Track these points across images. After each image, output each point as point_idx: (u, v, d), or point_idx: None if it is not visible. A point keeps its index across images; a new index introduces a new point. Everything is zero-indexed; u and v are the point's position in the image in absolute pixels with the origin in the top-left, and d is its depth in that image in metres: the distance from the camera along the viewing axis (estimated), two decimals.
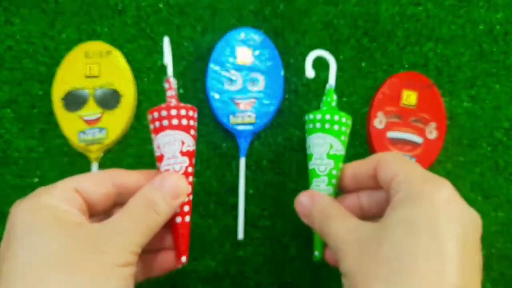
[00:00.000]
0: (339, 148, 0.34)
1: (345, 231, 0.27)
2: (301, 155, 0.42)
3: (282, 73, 0.42)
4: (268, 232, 0.41)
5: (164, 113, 0.33)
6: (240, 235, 0.40)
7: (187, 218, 0.34)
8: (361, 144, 0.42)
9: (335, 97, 0.35)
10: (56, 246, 0.24)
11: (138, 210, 0.28)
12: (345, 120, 0.34)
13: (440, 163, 0.43)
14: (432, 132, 0.41)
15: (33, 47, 0.43)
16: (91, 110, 0.41)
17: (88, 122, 0.40)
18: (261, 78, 0.42)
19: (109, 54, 0.41)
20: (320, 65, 0.43)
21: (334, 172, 0.34)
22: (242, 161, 0.41)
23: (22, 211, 0.25)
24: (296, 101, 0.43)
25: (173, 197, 0.31)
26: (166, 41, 0.35)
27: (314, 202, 0.31)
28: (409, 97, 0.42)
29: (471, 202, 0.42)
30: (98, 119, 0.40)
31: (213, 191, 0.42)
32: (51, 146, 0.42)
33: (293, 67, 0.43)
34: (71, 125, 0.40)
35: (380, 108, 0.42)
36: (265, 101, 0.41)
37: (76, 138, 0.40)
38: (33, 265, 0.24)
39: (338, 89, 0.43)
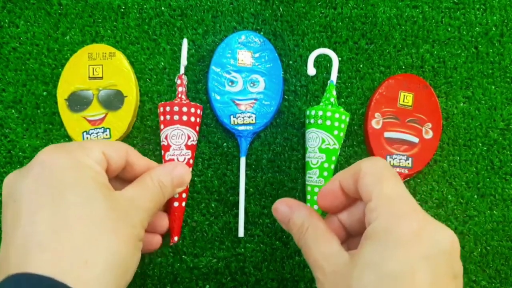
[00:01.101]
0: (331, 143, 0.36)
1: (322, 258, 0.27)
2: (300, 154, 0.43)
3: (281, 74, 0.43)
4: (268, 230, 0.42)
5: (176, 108, 0.39)
6: (241, 232, 0.41)
7: (183, 204, 0.40)
8: (358, 144, 0.43)
9: (334, 92, 0.37)
10: (102, 208, 0.26)
11: (154, 190, 0.32)
12: (339, 115, 0.36)
13: (436, 162, 0.43)
14: (428, 132, 0.42)
15: (37, 49, 0.43)
16: (95, 110, 0.41)
17: (92, 122, 0.41)
18: (261, 79, 0.42)
19: (113, 56, 0.42)
20: (319, 66, 0.44)
21: (325, 165, 0.37)
22: (243, 161, 0.42)
23: (65, 166, 0.26)
24: (295, 102, 0.43)
25: (178, 184, 0.34)
26: (184, 42, 0.39)
27: (292, 213, 0.30)
28: (406, 98, 0.42)
29: (467, 200, 0.43)
30: (101, 120, 0.41)
31: (214, 189, 0.42)
32: None
33: (292, 69, 0.44)
34: (75, 125, 0.41)
35: (377, 108, 0.42)
36: (265, 102, 0.42)
37: (80, 138, 0.41)
38: (84, 218, 0.25)
39: (337, 90, 0.43)
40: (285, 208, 0.30)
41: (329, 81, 0.38)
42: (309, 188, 0.40)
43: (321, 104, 0.38)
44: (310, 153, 0.38)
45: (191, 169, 0.40)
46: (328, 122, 0.36)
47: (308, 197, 0.40)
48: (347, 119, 0.36)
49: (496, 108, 0.44)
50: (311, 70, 0.38)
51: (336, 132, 0.37)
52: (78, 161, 0.27)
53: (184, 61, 0.40)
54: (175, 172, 0.34)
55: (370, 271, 0.24)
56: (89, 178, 0.27)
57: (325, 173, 0.38)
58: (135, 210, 0.29)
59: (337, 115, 0.36)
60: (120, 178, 0.34)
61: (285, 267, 0.41)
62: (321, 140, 0.36)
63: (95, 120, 0.41)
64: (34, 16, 0.44)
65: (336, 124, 0.36)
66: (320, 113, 0.36)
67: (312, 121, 0.37)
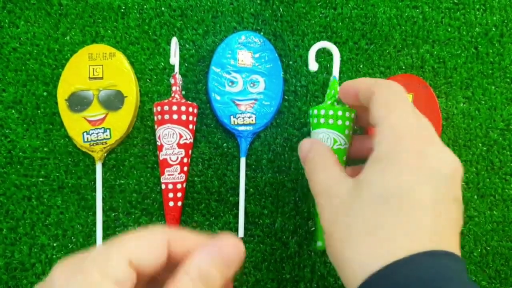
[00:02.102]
0: (343, 142, 0.34)
1: (325, 183, 0.28)
2: None
3: (281, 75, 0.43)
4: (267, 230, 0.42)
5: (166, 107, 0.38)
6: (241, 232, 0.41)
7: (179, 203, 0.40)
8: None
9: (339, 88, 0.35)
10: None
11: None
12: (349, 114, 0.34)
13: None
14: None
15: (38, 49, 0.43)
16: (95, 111, 0.41)
17: (92, 122, 0.41)
18: (261, 79, 0.42)
19: (113, 56, 0.42)
20: (319, 66, 0.44)
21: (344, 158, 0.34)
22: (243, 161, 0.42)
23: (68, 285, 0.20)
24: (295, 102, 0.43)
25: (229, 266, 0.23)
26: (173, 41, 0.39)
27: (312, 148, 0.31)
28: None
29: (467, 201, 0.43)
30: (102, 120, 0.41)
31: (214, 190, 0.42)
32: (55, 146, 0.42)
33: (292, 69, 0.44)
34: (75, 125, 0.41)
35: None
36: (265, 102, 0.42)
37: (80, 138, 0.41)
38: None
39: (336, 90, 0.43)
40: (308, 144, 0.31)
41: (331, 77, 0.36)
42: None
43: (327, 102, 0.36)
44: None
45: (185, 167, 0.39)
46: (340, 122, 0.34)
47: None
48: (353, 116, 0.35)
49: (496, 109, 0.44)
50: (313, 65, 0.36)
51: (347, 132, 0.35)
52: (85, 283, 0.20)
53: (173, 60, 0.40)
54: (222, 252, 0.23)
55: (370, 189, 0.24)
56: None
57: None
58: None
59: (347, 114, 0.34)
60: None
61: (285, 267, 0.41)
62: (333, 140, 0.34)
63: (95, 120, 0.41)
64: (34, 16, 0.44)
65: (347, 123, 0.34)
66: (331, 112, 0.34)
67: (322, 120, 0.35)
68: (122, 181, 0.42)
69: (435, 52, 0.44)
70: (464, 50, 0.45)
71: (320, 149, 0.31)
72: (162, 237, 0.23)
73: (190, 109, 0.40)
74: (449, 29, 0.45)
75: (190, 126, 0.40)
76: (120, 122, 0.41)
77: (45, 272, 0.41)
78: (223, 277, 0.23)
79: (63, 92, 0.42)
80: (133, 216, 0.42)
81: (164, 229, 0.24)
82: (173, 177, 0.39)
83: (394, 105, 0.27)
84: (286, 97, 0.43)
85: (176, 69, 0.41)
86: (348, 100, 0.33)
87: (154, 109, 0.40)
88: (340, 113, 0.34)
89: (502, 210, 0.43)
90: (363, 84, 0.30)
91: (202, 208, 0.42)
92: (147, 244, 0.23)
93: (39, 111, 0.43)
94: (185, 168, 0.40)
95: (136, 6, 0.43)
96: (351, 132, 0.35)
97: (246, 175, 0.42)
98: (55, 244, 0.41)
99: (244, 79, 0.42)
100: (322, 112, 0.35)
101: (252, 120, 0.41)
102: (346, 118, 0.34)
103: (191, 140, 0.40)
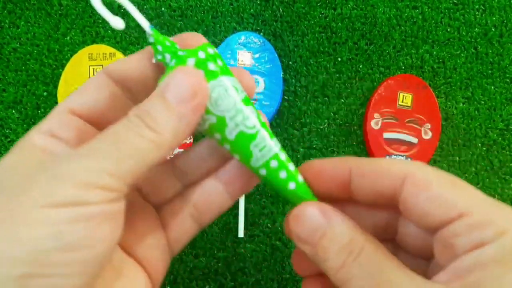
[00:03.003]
0: (241, 88, 0.21)
1: None
2: (300, 155, 0.43)
3: (281, 75, 0.43)
4: (268, 230, 0.42)
5: None
6: (241, 233, 0.41)
7: None
8: (357, 144, 0.43)
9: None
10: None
11: (119, 128, 0.18)
12: (212, 51, 0.21)
13: (435, 163, 0.43)
14: (427, 133, 0.42)
15: (38, 49, 0.43)
16: None
17: None
18: (261, 80, 0.42)
19: (113, 56, 0.42)
20: (318, 67, 0.44)
21: (261, 118, 0.22)
22: None
23: (9, 154, 0.19)
24: (295, 102, 0.43)
25: (181, 100, 0.18)
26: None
27: (330, 225, 0.19)
28: (405, 99, 0.43)
29: None
30: None
31: None
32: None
33: (292, 69, 0.44)
34: None
35: (376, 109, 0.42)
36: (265, 103, 0.42)
37: None
38: None
39: (336, 90, 0.44)
40: (318, 214, 0.19)
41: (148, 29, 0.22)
42: (275, 163, 0.21)
43: (172, 60, 0.21)
44: (233, 120, 0.21)
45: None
46: (219, 62, 0.21)
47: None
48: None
49: (495, 109, 0.44)
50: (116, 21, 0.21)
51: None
52: (23, 145, 0.19)
53: None
54: (169, 84, 0.18)
55: None
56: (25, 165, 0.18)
57: (269, 129, 0.22)
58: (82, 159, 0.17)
59: (210, 50, 0.21)
60: None
61: (285, 268, 0.41)
62: (234, 89, 0.21)
63: None
64: (34, 16, 0.44)
65: (220, 62, 0.21)
66: (210, 51, 0.21)
67: (212, 67, 0.20)
68: None
69: (435, 52, 0.45)
70: (464, 50, 0.45)
71: (350, 230, 0.19)
72: (104, 74, 0.21)
73: None
74: (448, 29, 0.45)
75: None
76: None
77: None
78: (176, 114, 0.18)
79: (63, 93, 0.42)
80: None
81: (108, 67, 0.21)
82: None
83: (453, 182, 0.18)
84: (285, 97, 0.43)
85: None
86: (322, 187, 0.21)
87: None
88: (211, 50, 0.21)
89: None
90: (363, 164, 0.20)
91: None
92: (88, 88, 0.21)
93: (39, 111, 0.43)
94: None
95: (136, 6, 0.43)
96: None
97: None
98: None
99: None
100: (191, 61, 0.20)
101: None
102: (217, 55, 0.21)
103: (191, 140, 0.41)
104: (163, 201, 0.24)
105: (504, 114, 0.44)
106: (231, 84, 0.21)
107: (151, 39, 0.21)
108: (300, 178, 0.22)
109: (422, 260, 0.20)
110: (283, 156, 0.21)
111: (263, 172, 0.21)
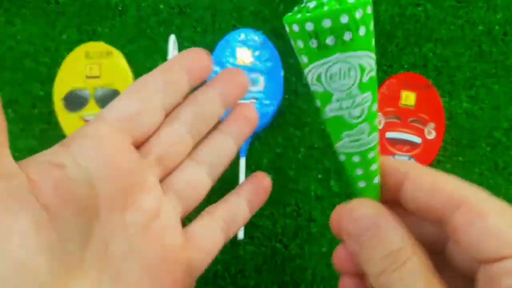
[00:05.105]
0: (373, 66, 0.19)
1: None
2: (300, 155, 0.42)
3: (282, 73, 0.42)
4: (268, 232, 0.41)
5: None
6: (240, 234, 0.40)
7: None
8: None
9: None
10: None
11: None
12: (370, 10, 0.18)
13: (439, 163, 0.43)
14: (431, 133, 0.42)
15: (34, 48, 0.43)
16: (91, 110, 0.41)
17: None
18: (261, 78, 0.42)
19: (110, 54, 0.42)
20: None
21: (373, 108, 0.19)
22: (242, 161, 0.41)
23: None
24: (296, 101, 0.43)
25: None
26: (171, 40, 0.38)
27: (383, 228, 0.18)
28: (408, 98, 0.42)
29: None
30: None
31: (213, 190, 0.42)
32: (51, 146, 0.42)
33: (293, 68, 0.43)
34: (71, 125, 0.41)
35: (379, 108, 0.42)
36: (265, 101, 0.42)
37: None
38: None
39: None
40: (372, 214, 0.19)
41: None
42: (357, 159, 0.20)
43: (310, 4, 0.17)
44: (339, 101, 0.19)
45: None
46: (362, 31, 0.18)
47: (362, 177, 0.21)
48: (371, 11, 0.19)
49: (500, 108, 0.44)
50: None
51: (373, 42, 0.19)
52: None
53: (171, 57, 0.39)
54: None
55: None
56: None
57: (376, 122, 0.20)
58: None
59: (368, 9, 0.18)
60: None
61: (285, 270, 0.41)
62: (359, 69, 0.18)
63: None
64: (30, 14, 0.43)
65: (371, 27, 0.18)
66: (344, 19, 0.17)
67: (330, 41, 0.17)
68: None
69: (438, 51, 0.44)
70: (468, 49, 0.44)
71: (401, 237, 0.18)
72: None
73: None
74: (452, 28, 0.44)
75: None
76: None
77: None
78: None
79: (59, 91, 0.41)
80: None
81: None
82: None
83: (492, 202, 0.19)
84: (286, 96, 0.43)
85: None
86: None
87: None
88: (358, 14, 0.17)
89: None
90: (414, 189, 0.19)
91: (201, 210, 0.42)
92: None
93: (35, 111, 0.42)
94: None
95: (133, 4, 0.43)
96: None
97: (246, 175, 0.42)
98: None
99: None
100: (327, 23, 0.17)
101: None
102: (368, 17, 0.18)
103: None
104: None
105: (508, 114, 0.44)
106: (360, 63, 0.18)
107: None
108: (376, 179, 0.21)
109: (468, 281, 0.19)
110: (372, 154, 0.20)
111: (342, 158, 0.21)
